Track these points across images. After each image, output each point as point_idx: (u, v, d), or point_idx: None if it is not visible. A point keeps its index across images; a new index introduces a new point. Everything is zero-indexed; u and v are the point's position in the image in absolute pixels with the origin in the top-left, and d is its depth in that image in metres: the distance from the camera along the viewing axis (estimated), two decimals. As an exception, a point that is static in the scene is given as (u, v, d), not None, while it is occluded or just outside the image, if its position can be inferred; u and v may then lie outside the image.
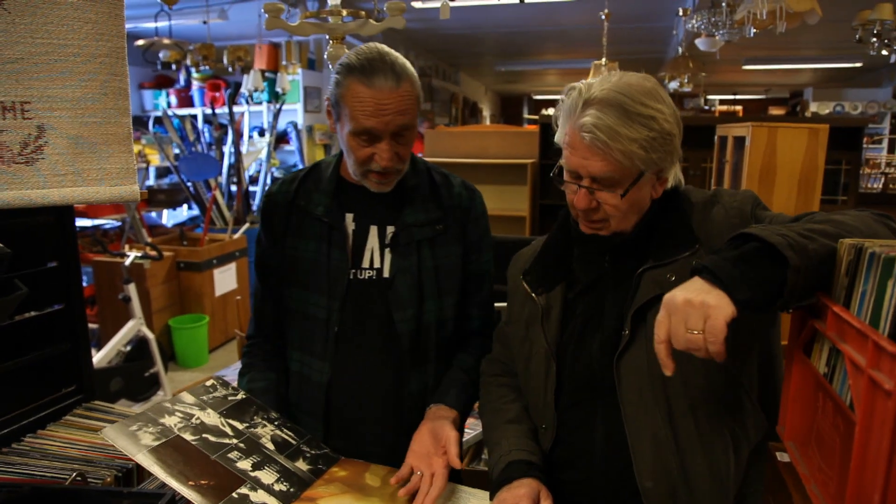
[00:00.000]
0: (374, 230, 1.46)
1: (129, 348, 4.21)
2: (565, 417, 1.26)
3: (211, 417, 1.25)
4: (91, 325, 5.06)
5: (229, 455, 1.17)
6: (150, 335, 4.22)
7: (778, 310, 0.92)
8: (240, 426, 1.27)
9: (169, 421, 1.19)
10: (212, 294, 5.19)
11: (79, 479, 1.15)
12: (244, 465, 1.17)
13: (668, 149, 1.14)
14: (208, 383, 1.37)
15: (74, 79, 0.96)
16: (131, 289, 4.15)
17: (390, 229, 1.45)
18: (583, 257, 1.27)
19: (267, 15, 1.90)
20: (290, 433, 1.34)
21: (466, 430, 2.17)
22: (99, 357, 4.04)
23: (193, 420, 1.22)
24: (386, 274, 1.44)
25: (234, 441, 1.22)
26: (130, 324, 4.17)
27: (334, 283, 1.43)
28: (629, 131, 1.09)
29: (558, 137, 1.20)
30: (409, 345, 1.44)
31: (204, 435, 1.19)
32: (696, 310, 0.88)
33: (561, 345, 1.26)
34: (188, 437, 1.16)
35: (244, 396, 1.38)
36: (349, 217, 1.46)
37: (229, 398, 1.35)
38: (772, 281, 0.88)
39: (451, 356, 1.54)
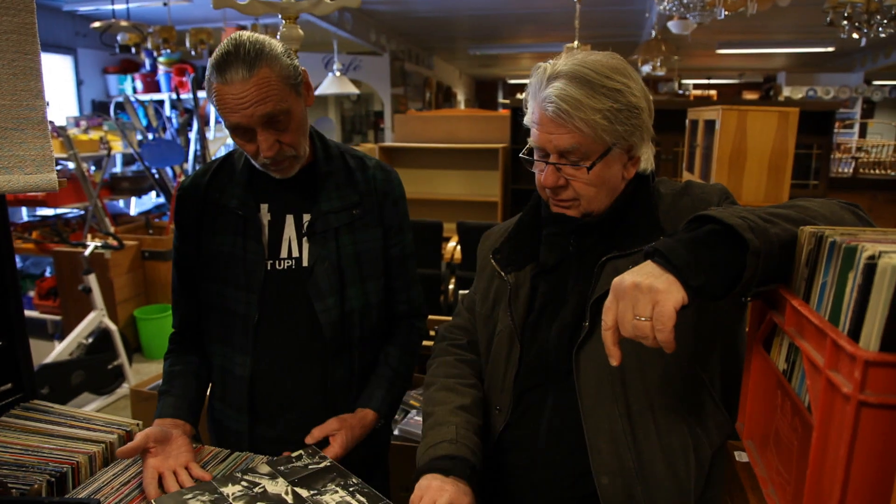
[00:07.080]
0: (290, 219, 1.42)
1: (90, 340, 4.10)
2: (518, 402, 1.23)
3: (277, 486, 1.19)
4: (54, 318, 4.93)
5: None
6: (113, 327, 4.12)
7: (734, 298, 0.86)
8: (305, 493, 1.18)
9: (229, 490, 1.15)
10: (178, 283, 5.04)
11: (-1, 488, 1.07)
12: None
13: (636, 122, 1.11)
14: (295, 454, 1.32)
15: (-24, 57, 0.88)
16: (92, 279, 4.05)
17: (307, 217, 1.41)
18: (548, 238, 1.24)
19: (215, -7, 1.81)
20: (363, 499, 1.18)
21: (416, 421, 2.12)
22: (58, 350, 3.94)
23: (255, 490, 1.16)
24: (305, 263, 1.41)
25: None
26: (91, 315, 4.07)
27: (251, 276, 1.40)
28: (592, 101, 1.07)
29: (527, 119, 1.17)
30: (332, 333, 1.41)
31: None
32: (644, 295, 0.82)
33: (524, 327, 1.24)
34: None
35: (328, 464, 1.29)
36: (264, 207, 1.43)
37: (310, 467, 1.27)
38: (729, 265, 0.82)
39: (377, 341, 1.53)
